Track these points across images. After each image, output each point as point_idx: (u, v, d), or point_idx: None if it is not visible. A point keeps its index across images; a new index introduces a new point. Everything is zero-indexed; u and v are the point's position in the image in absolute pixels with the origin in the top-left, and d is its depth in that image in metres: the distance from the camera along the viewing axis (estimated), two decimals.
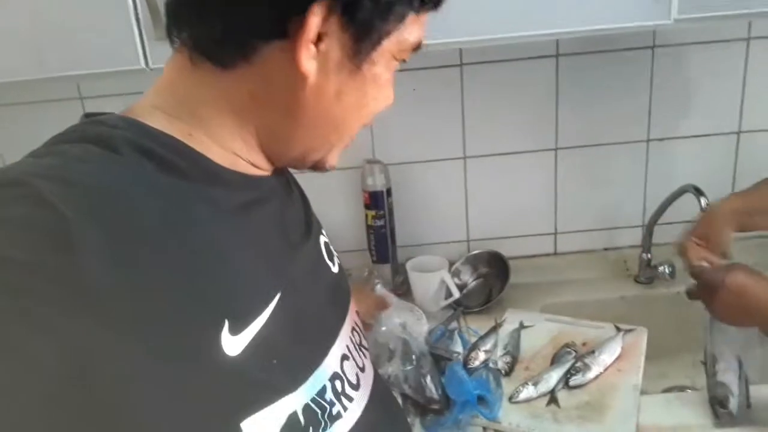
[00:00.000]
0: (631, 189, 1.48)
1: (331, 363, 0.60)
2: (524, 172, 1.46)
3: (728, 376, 0.99)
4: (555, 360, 1.15)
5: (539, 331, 1.25)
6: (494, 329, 1.24)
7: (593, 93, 1.40)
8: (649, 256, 1.42)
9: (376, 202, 1.40)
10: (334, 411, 0.58)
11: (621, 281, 1.44)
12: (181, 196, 0.50)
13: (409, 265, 1.38)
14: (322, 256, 0.69)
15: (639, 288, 1.42)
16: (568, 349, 1.16)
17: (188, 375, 0.45)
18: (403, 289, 1.41)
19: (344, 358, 0.63)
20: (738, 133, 1.44)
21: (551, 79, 1.38)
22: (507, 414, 1.02)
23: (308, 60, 0.52)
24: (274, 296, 0.54)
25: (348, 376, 0.62)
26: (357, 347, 0.67)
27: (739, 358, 1.01)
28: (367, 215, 1.41)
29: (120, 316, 0.42)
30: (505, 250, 1.44)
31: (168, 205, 0.49)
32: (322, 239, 0.71)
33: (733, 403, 0.97)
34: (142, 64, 0.97)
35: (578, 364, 1.10)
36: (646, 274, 1.43)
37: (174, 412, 0.45)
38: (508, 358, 1.15)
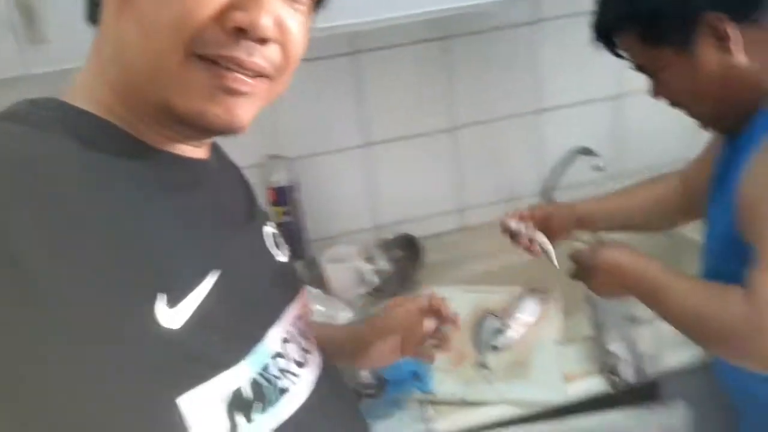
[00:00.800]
0: (527, 159, 1.55)
1: (271, 342, 0.59)
2: (426, 153, 1.49)
3: (616, 345, 1.05)
4: (479, 326, 1.19)
5: (459, 302, 1.27)
6: None
7: (483, 71, 1.45)
8: None
9: (282, 198, 1.38)
10: (283, 385, 0.58)
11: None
12: (106, 172, 0.50)
13: (323, 258, 1.37)
14: (266, 243, 0.68)
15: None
16: (489, 314, 1.20)
17: (122, 348, 0.45)
18: (320, 283, 1.40)
19: (285, 341, 0.62)
20: (617, 96, 1.54)
21: (443, 60, 1.42)
22: (440, 384, 1.03)
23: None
24: (212, 272, 0.53)
25: (292, 355, 0.62)
26: (299, 333, 0.66)
27: (627, 328, 1.08)
28: (276, 212, 1.39)
29: (47, 293, 0.43)
30: (415, 231, 1.47)
31: (92, 180, 0.48)
32: (268, 229, 0.70)
33: (625, 371, 1.02)
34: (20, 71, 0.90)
35: (501, 327, 1.15)
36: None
37: (105, 386, 0.45)
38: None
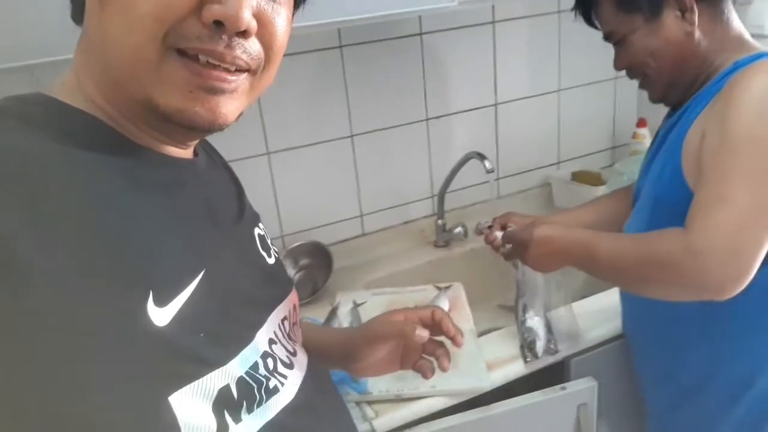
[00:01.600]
0: (418, 164, 1.63)
1: (259, 343, 0.60)
2: (326, 162, 1.50)
3: (535, 322, 1.15)
4: None
5: (373, 305, 1.32)
6: (333, 313, 1.27)
7: (376, 80, 1.50)
8: (443, 221, 1.58)
9: None
10: (271, 385, 0.58)
11: (423, 248, 1.59)
12: (95, 169, 0.50)
13: None
14: (255, 244, 0.68)
15: (439, 251, 1.57)
16: None
17: (115, 346, 0.46)
18: None
19: (272, 342, 0.62)
20: (495, 105, 1.67)
21: (339, 70, 1.45)
22: (374, 383, 1.06)
23: None
24: (199, 271, 0.54)
25: (279, 356, 0.62)
26: (285, 336, 0.66)
27: (546, 310, 1.18)
28: None
29: (39, 289, 0.43)
30: (321, 238, 1.48)
31: (81, 176, 0.48)
32: (257, 231, 0.70)
33: (539, 347, 1.12)
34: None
35: None
36: (443, 238, 1.58)
37: (101, 383, 0.45)
38: None
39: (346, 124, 1.50)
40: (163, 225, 0.53)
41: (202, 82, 0.51)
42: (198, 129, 0.54)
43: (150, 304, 0.48)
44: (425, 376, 0.79)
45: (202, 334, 0.52)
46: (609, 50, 1.07)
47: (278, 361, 0.61)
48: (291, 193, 1.49)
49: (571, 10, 1.09)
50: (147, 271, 0.49)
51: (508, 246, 1.12)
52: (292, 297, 0.71)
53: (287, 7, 0.57)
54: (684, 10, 0.96)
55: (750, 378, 1.02)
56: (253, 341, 0.58)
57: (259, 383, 0.57)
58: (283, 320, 0.66)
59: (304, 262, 1.45)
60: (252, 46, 0.53)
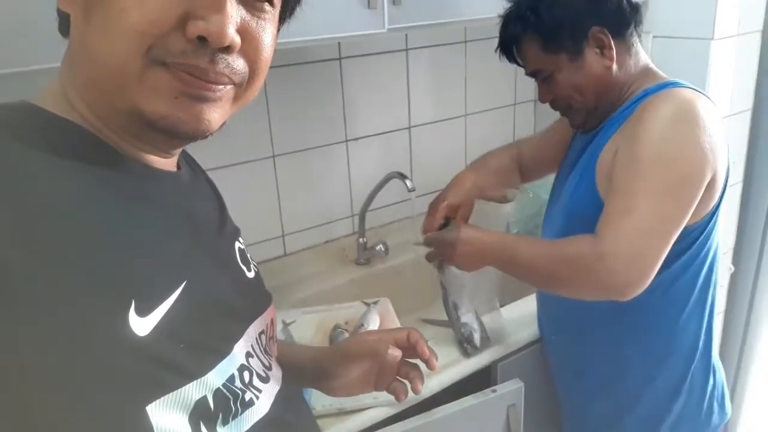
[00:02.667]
0: (338, 185, 1.66)
1: (237, 355, 0.60)
2: (248, 182, 1.50)
3: (468, 317, 1.23)
4: (333, 341, 1.25)
5: (303, 323, 1.33)
6: None
7: (298, 102, 1.52)
8: (364, 240, 1.62)
9: None
10: (246, 398, 0.59)
11: (345, 266, 1.62)
12: (82, 178, 0.50)
13: None
14: (235, 258, 0.68)
15: (361, 269, 1.61)
16: (340, 329, 1.27)
17: (95, 353, 0.46)
18: None
19: (248, 355, 0.62)
20: (409, 128, 1.74)
21: (262, 91, 1.45)
22: (318, 399, 1.07)
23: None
24: (181, 282, 0.54)
25: (256, 369, 0.63)
26: (262, 350, 0.66)
27: (474, 304, 1.26)
28: None
29: (24, 297, 0.43)
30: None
31: (70, 185, 0.49)
32: (237, 245, 0.70)
33: (476, 338, 1.21)
34: None
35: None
36: (365, 256, 1.62)
37: (78, 390, 0.45)
38: None
39: (267, 144, 1.51)
40: (146, 235, 0.54)
41: (186, 89, 0.52)
42: (182, 136, 0.54)
43: (131, 313, 0.48)
44: (398, 399, 0.80)
45: (182, 345, 0.52)
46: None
47: (254, 375, 0.61)
48: None
49: (495, 50, 1.16)
50: (129, 280, 0.49)
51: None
52: (270, 311, 0.71)
53: (272, 22, 0.57)
54: (603, 48, 1.06)
55: (650, 377, 1.15)
56: (231, 353, 0.58)
57: (235, 395, 0.57)
58: (260, 334, 0.67)
59: None
60: (236, 62, 0.54)
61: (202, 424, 0.52)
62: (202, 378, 0.53)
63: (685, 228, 0.99)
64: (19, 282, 0.43)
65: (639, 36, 1.10)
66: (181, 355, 0.52)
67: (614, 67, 1.07)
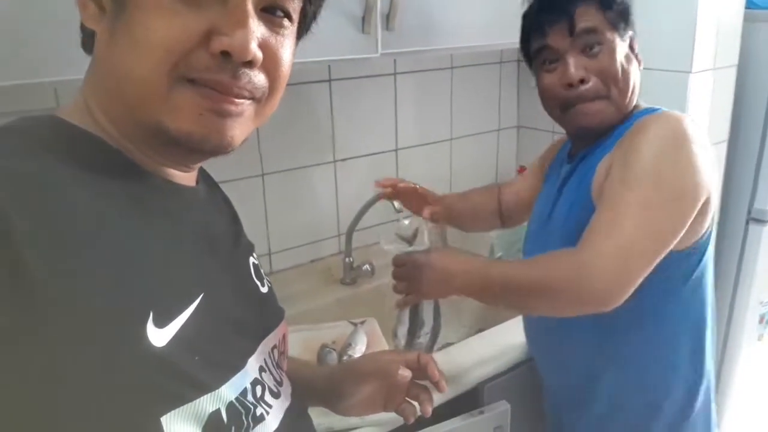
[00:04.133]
0: (326, 204, 1.68)
1: (250, 369, 0.61)
2: (236, 199, 1.50)
3: (427, 338, 1.21)
4: (321, 360, 1.25)
5: (290, 342, 1.33)
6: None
7: (287, 122, 1.54)
8: (351, 259, 1.63)
9: None
10: (258, 413, 0.59)
11: (331, 286, 1.62)
12: (106, 189, 0.52)
13: None
14: (249, 273, 0.69)
15: (347, 289, 1.62)
16: (328, 349, 1.28)
17: (113, 361, 0.46)
18: None
19: (261, 369, 0.63)
20: (396, 150, 1.77)
21: None
22: None
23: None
24: (198, 295, 0.55)
25: (268, 384, 0.63)
26: (274, 365, 0.67)
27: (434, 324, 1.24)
28: None
29: (45, 306, 0.43)
30: None
31: (94, 195, 0.50)
32: (252, 260, 0.71)
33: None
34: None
35: (344, 358, 1.23)
36: (351, 276, 1.63)
37: (94, 399, 0.46)
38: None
39: (257, 162, 1.52)
40: (164, 248, 0.55)
41: (211, 105, 0.53)
42: (206, 151, 0.56)
43: (150, 324, 0.48)
44: (407, 420, 0.80)
45: (197, 357, 0.53)
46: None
47: (266, 389, 0.62)
48: None
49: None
50: (148, 292, 0.50)
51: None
52: (282, 326, 0.72)
53: (291, 38, 0.59)
54: (634, 51, 1.05)
55: (657, 405, 1.10)
56: (244, 367, 0.59)
57: (247, 410, 0.58)
58: (273, 348, 0.68)
59: None
60: (257, 77, 0.55)
61: None
62: (217, 391, 0.54)
63: (682, 251, 0.99)
64: (38, 282, 0.43)
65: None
66: (196, 368, 0.52)
67: (639, 73, 1.04)
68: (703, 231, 1.02)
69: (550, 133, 1.95)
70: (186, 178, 0.62)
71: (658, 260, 0.94)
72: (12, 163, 0.47)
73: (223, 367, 0.56)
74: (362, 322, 1.40)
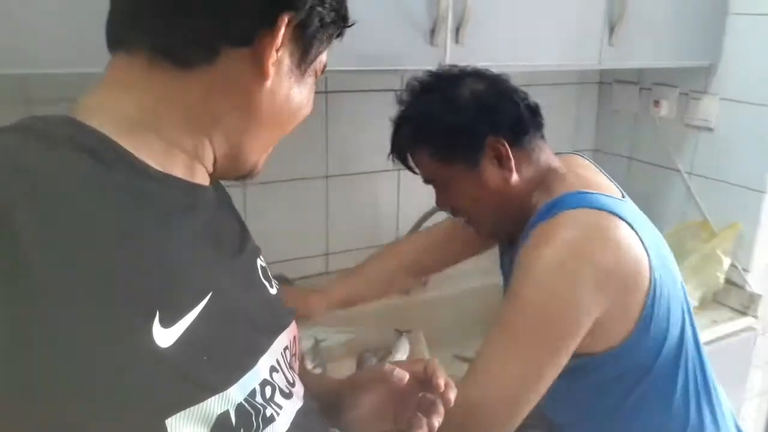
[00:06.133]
0: (386, 210, 1.69)
1: (261, 369, 0.60)
2: (300, 198, 1.55)
3: None
4: (360, 365, 1.26)
5: (334, 343, 1.35)
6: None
7: (355, 126, 1.57)
8: None
9: None
10: (268, 413, 0.58)
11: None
12: (117, 188, 0.52)
13: None
14: (258, 274, 0.69)
15: (399, 296, 1.61)
16: (368, 354, 1.29)
17: (117, 362, 0.46)
18: None
19: (273, 369, 0.63)
20: None
21: (322, 112, 1.51)
22: None
23: (271, 65, 0.58)
24: (207, 293, 0.54)
25: (279, 384, 0.63)
26: (287, 365, 0.67)
27: None
28: None
29: (54, 301, 0.44)
30: (286, 271, 1.51)
31: (105, 195, 0.50)
32: (259, 262, 0.71)
33: None
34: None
35: None
36: (417, 285, 1.63)
37: (99, 399, 0.45)
38: (320, 370, 1.22)
39: (323, 163, 1.56)
40: (175, 245, 0.54)
41: None
42: (242, 178, 0.67)
43: (156, 324, 0.48)
44: None
45: (205, 358, 0.52)
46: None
47: (277, 390, 0.62)
48: (263, 225, 1.51)
49: (388, 156, 1.10)
50: (156, 290, 0.50)
51: None
52: (293, 328, 0.71)
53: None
54: (500, 158, 1.00)
55: None
56: (254, 367, 0.59)
57: (257, 411, 0.57)
58: (284, 349, 0.67)
59: None
60: None
61: None
62: (225, 392, 0.53)
63: (605, 354, 0.96)
64: (40, 280, 0.43)
65: (541, 137, 1.06)
66: (204, 368, 0.52)
67: (514, 177, 1.01)
68: (630, 327, 0.95)
69: (627, 159, 1.89)
70: (198, 176, 0.62)
71: (546, 384, 0.91)
72: (29, 161, 0.48)
73: (233, 367, 0.56)
74: (408, 332, 1.40)
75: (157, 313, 0.48)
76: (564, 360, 0.91)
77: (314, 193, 1.57)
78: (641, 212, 1.02)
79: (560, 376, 0.92)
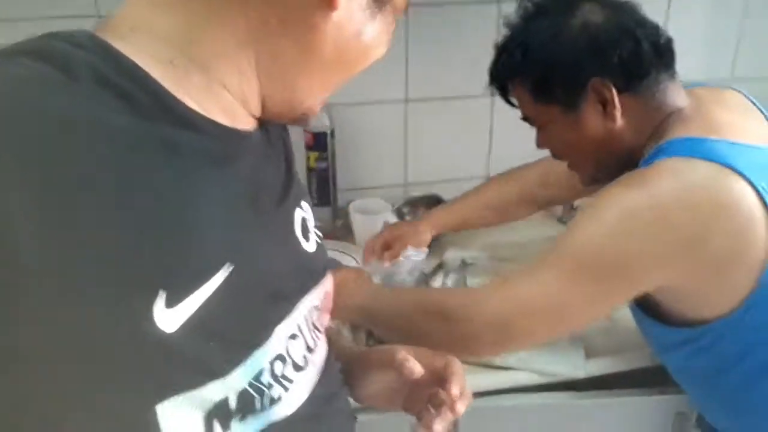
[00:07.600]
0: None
1: (274, 344, 0.54)
2: (462, 117, 1.49)
3: None
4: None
5: (481, 269, 1.31)
6: (440, 267, 1.29)
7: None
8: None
9: (319, 143, 1.38)
10: (275, 394, 0.54)
11: (547, 222, 1.53)
12: (136, 139, 0.44)
13: (351, 208, 1.38)
14: (293, 228, 0.62)
15: (562, 227, 1.51)
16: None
17: (107, 348, 0.42)
18: (343, 233, 1.41)
19: (292, 336, 0.57)
20: None
21: (492, 24, 1.40)
22: None
23: None
24: (222, 265, 0.48)
25: (293, 357, 0.57)
26: (311, 328, 0.61)
27: None
28: (309, 157, 1.39)
29: (43, 279, 0.39)
30: (443, 192, 1.48)
31: (118, 150, 0.42)
32: (300, 213, 0.63)
33: None
34: None
35: None
36: (569, 216, 1.52)
37: (81, 387, 0.42)
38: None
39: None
40: (195, 206, 0.47)
41: None
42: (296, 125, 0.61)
43: (159, 305, 0.43)
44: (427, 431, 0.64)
45: (211, 343, 0.47)
46: None
47: (289, 365, 0.56)
48: (422, 144, 1.50)
49: (490, 84, 1.01)
50: (162, 267, 0.44)
51: None
52: (325, 283, 0.65)
53: None
54: (605, 103, 0.89)
55: None
56: (268, 340, 0.53)
57: (262, 394, 0.52)
58: (312, 309, 0.62)
59: (421, 212, 1.46)
60: None
61: (216, 422, 0.48)
62: (226, 377, 0.48)
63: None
64: (27, 260, 0.38)
65: (671, 76, 0.91)
66: (209, 353, 0.47)
67: (619, 125, 0.90)
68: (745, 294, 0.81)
69: None
70: (243, 121, 0.54)
71: (561, 330, 0.91)
72: (25, 98, 0.40)
73: (240, 349, 0.50)
74: None
75: (161, 293, 0.43)
76: (600, 311, 0.89)
77: (477, 112, 1.49)
78: None
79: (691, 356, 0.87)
